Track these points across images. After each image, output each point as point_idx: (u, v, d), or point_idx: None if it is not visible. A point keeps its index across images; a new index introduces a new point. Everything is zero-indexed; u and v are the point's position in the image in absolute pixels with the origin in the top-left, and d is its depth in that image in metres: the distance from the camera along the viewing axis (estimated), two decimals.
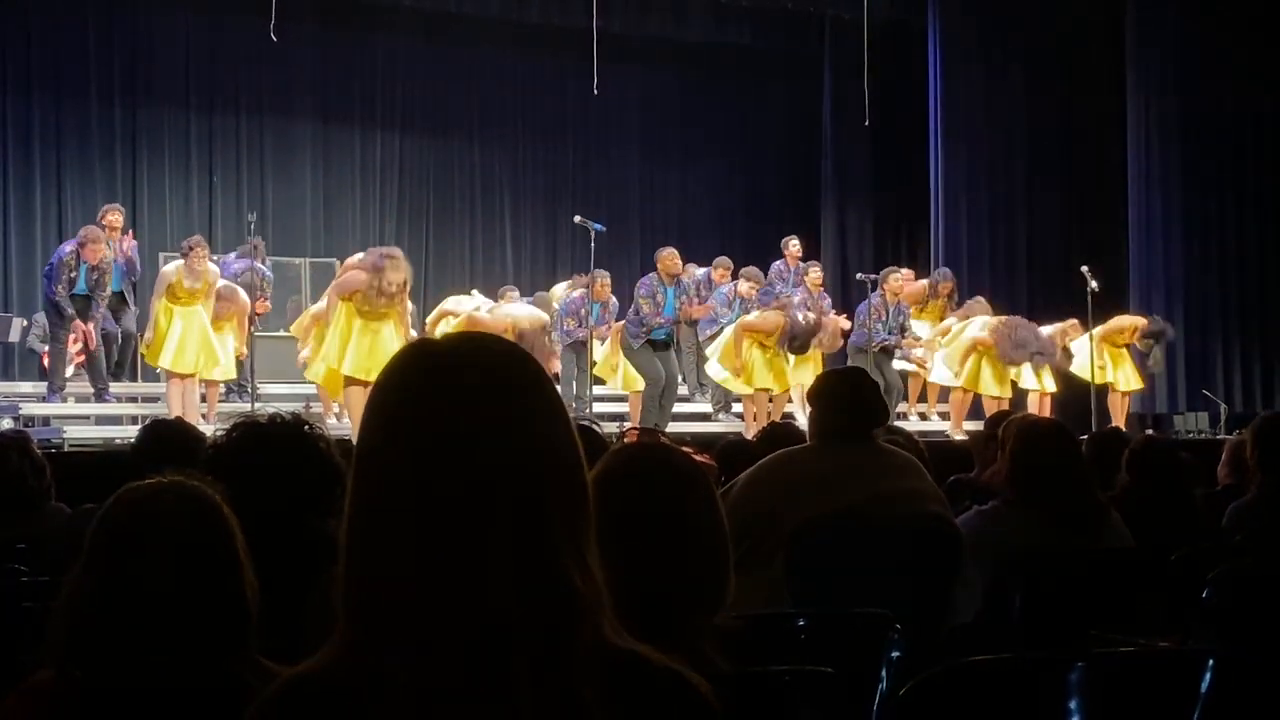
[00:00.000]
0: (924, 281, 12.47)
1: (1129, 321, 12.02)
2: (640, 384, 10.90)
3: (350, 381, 9.30)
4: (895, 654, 2.64)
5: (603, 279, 10.92)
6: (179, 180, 14.54)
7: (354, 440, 1.39)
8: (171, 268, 10.06)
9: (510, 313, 10.38)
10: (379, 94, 15.40)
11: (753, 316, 11.06)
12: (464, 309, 11.17)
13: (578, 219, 10.89)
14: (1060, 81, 14.25)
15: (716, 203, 16.32)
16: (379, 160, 15.47)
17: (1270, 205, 14.05)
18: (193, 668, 1.91)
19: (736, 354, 10.84)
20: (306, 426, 2.90)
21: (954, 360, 11.53)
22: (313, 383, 10.39)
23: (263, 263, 11.04)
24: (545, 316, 10.44)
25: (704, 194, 16.37)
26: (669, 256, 10.98)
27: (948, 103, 14.20)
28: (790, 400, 11.41)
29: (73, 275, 10.19)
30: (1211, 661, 2.26)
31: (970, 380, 11.52)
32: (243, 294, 10.29)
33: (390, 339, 9.16)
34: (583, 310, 10.97)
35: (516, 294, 11.56)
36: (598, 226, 10.67)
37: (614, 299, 11.31)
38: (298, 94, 14.99)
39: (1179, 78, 13.81)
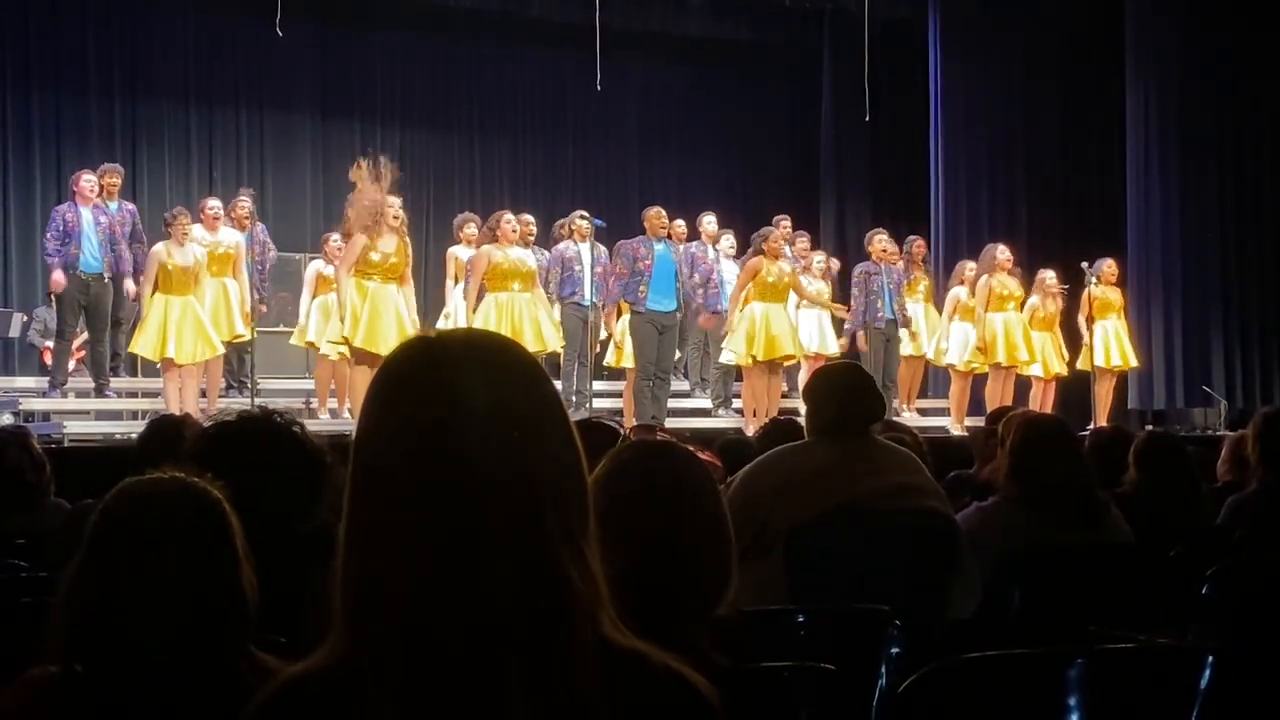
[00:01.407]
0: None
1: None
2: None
3: (358, 358, 9.22)
4: (895, 650, 2.64)
5: (575, 220, 10.74)
6: (179, 175, 14.54)
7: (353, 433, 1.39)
8: (161, 247, 9.87)
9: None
10: (379, 88, 15.40)
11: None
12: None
13: (580, 215, 10.87)
14: (1060, 77, 14.24)
15: (717, 197, 16.26)
16: (379, 154, 15.44)
17: (1271, 201, 14.04)
18: (192, 663, 1.91)
19: (743, 314, 10.65)
20: (276, 417, 2.93)
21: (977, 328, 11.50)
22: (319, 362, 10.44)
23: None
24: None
25: (704, 188, 16.34)
26: (655, 215, 10.64)
27: (948, 98, 14.19)
28: (787, 390, 11.41)
29: (68, 221, 10.02)
30: (1211, 657, 2.26)
31: (996, 348, 11.47)
32: (235, 233, 10.26)
33: (399, 309, 9.17)
34: (569, 253, 10.74)
35: None
36: (599, 222, 10.65)
37: (601, 247, 10.94)
38: (298, 88, 14.99)
39: (1179, 74, 13.79)
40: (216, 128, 14.69)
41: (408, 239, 9.48)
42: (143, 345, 9.78)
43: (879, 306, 11.37)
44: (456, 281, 11.00)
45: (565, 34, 15.17)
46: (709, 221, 12.02)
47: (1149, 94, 13.91)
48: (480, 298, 10.21)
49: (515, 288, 10.08)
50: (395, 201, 9.41)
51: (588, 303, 10.61)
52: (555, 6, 15.03)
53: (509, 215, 10.34)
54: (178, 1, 14.40)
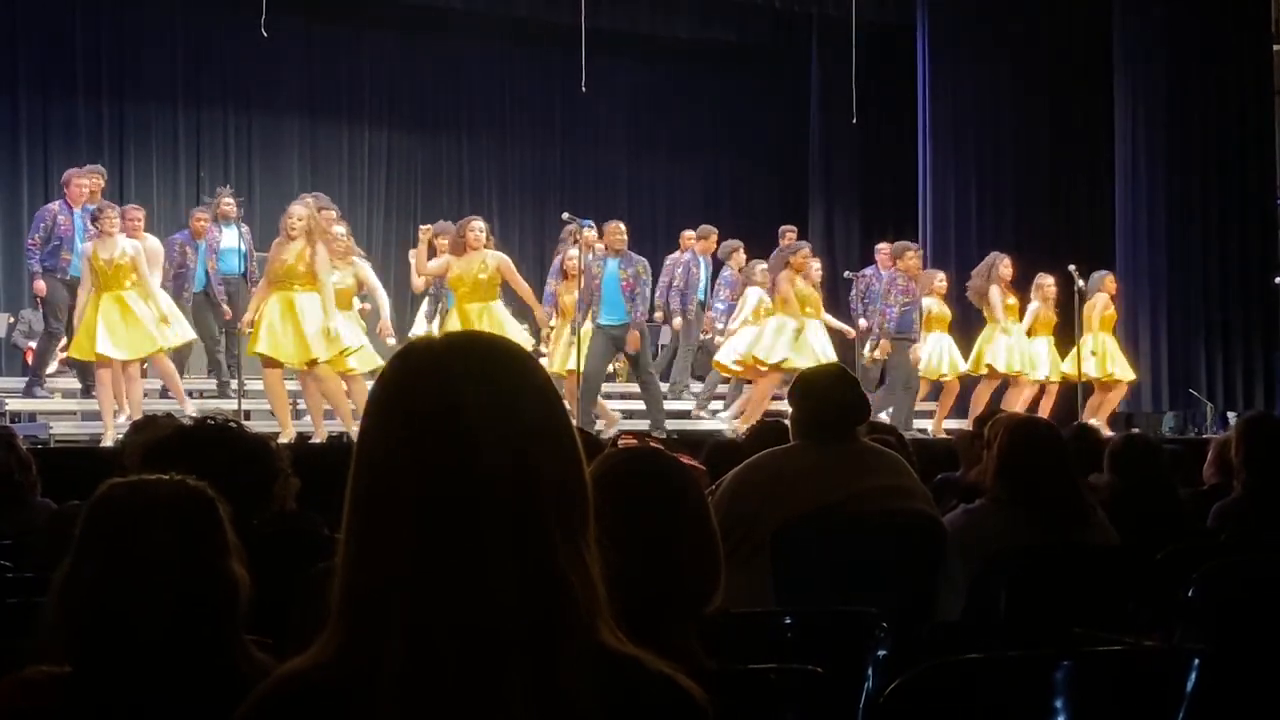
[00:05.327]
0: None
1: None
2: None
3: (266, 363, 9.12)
4: (881, 652, 2.64)
5: (586, 231, 10.53)
6: (166, 175, 14.51)
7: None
8: (89, 245, 9.33)
9: None
10: (367, 89, 15.40)
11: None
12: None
13: (565, 216, 10.87)
14: (1048, 80, 14.26)
15: (704, 199, 16.32)
16: (366, 155, 15.46)
17: (1256, 205, 14.10)
18: (187, 657, 1.90)
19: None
20: (210, 421, 3.24)
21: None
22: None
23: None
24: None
25: (691, 191, 16.36)
26: (613, 229, 10.49)
27: (936, 101, 14.21)
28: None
29: (60, 223, 9.83)
30: (1197, 660, 2.27)
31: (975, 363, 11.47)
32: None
33: (302, 318, 9.00)
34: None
35: None
36: (586, 223, 10.64)
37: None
38: (285, 89, 14.97)
39: (1166, 77, 13.85)
40: (204, 128, 14.66)
41: (312, 244, 9.32)
42: (74, 346, 9.36)
43: (915, 319, 11.22)
44: (419, 275, 11.19)
45: (552, 35, 15.17)
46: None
47: (1136, 96, 13.98)
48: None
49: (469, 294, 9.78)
50: (295, 210, 9.44)
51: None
52: (542, 7, 15.03)
53: (476, 223, 10.05)
54: (165, 2, 14.37)
